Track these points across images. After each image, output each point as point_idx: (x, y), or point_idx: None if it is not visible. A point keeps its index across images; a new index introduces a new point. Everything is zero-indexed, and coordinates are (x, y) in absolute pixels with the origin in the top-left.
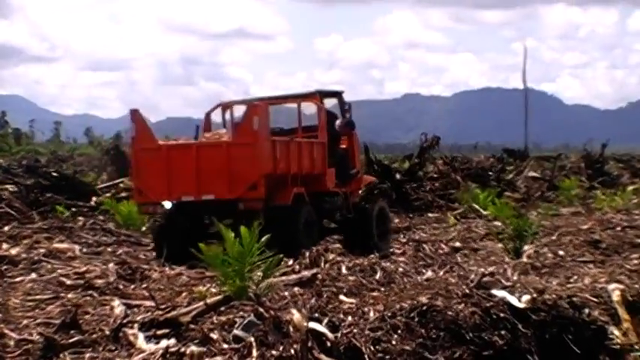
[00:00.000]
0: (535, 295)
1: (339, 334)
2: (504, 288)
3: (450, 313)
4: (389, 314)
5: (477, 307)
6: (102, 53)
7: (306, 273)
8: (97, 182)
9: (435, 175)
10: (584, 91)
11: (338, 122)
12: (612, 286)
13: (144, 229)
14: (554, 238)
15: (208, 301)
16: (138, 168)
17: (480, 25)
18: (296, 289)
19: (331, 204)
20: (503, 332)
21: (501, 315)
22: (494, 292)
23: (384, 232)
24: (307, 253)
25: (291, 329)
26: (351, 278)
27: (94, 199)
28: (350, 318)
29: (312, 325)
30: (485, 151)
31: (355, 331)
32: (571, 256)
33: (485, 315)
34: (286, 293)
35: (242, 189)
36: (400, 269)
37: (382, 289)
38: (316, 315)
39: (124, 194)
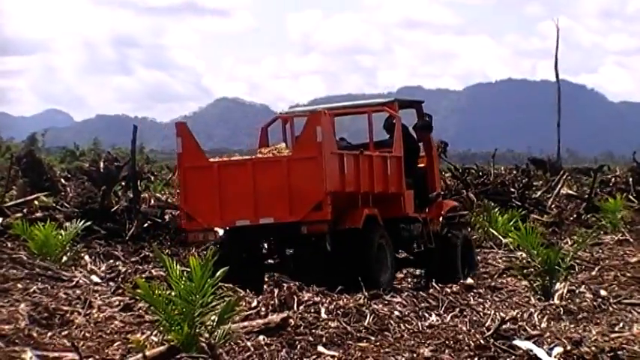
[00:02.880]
0: (569, 348)
1: None
2: (530, 338)
3: None
4: None
5: None
6: (10, 32)
7: (275, 317)
8: (5, 199)
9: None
10: (633, 85)
11: (415, 126)
12: None
13: (65, 259)
14: (594, 273)
15: (148, 353)
16: (186, 189)
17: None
18: (261, 337)
19: (409, 232)
20: None
21: None
22: (516, 342)
23: (471, 265)
24: (276, 292)
25: None
26: (332, 324)
27: None
28: None
29: None
30: (506, 161)
31: None
32: (616, 298)
33: None
34: (249, 343)
35: (305, 210)
36: (396, 313)
37: (372, 338)
38: None
39: (39, 214)
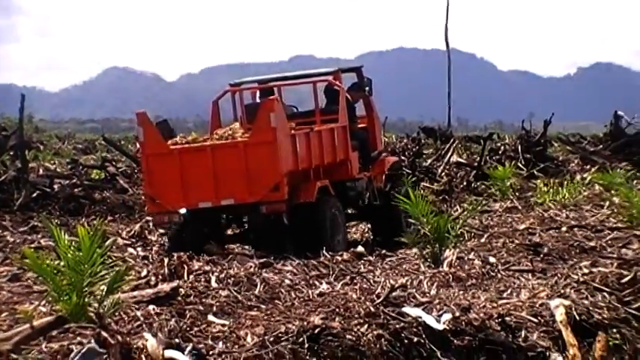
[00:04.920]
0: (458, 314)
1: None
2: (419, 305)
3: (349, 337)
4: (271, 339)
5: (384, 329)
6: None
7: (165, 287)
8: None
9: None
10: (522, 54)
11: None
12: (555, 301)
13: None
14: (483, 240)
15: (36, 323)
16: (149, 175)
17: None
18: (151, 307)
19: (355, 191)
20: None
21: (415, 339)
22: (406, 310)
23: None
24: (166, 261)
25: (144, 359)
26: (222, 293)
27: None
28: (221, 344)
29: (171, 353)
30: (397, 129)
31: None
32: (504, 264)
33: (395, 339)
34: (138, 313)
35: (263, 191)
36: (286, 281)
37: (263, 306)
38: (177, 340)
39: None
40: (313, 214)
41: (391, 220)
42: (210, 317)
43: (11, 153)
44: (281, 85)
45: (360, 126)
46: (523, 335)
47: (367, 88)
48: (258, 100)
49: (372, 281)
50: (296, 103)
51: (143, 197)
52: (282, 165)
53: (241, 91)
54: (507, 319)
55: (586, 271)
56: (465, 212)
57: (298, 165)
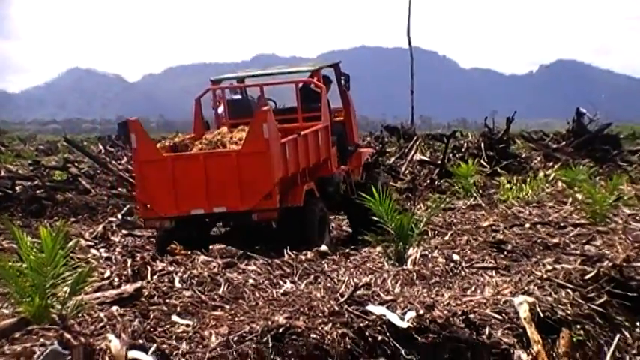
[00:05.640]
0: (422, 312)
1: None
2: (383, 303)
3: (313, 335)
4: (235, 338)
5: (349, 327)
6: None
7: (128, 287)
8: None
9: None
10: (484, 52)
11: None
12: (519, 298)
13: None
14: (446, 238)
15: None
16: (142, 181)
17: None
18: (114, 308)
19: (334, 186)
20: (381, 359)
21: (379, 337)
22: (370, 308)
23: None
24: (129, 262)
25: None
26: (186, 293)
27: None
28: (185, 344)
29: (135, 354)
30: (360, 128)
31: None
32: (468, 262)
33: (359, 337)
34: (102, 314)
35: (256, 200)
36: (250, 281)
37: (227, 306)
38: (140, 341)
39: None
40: (301, 217)
41: (366, 213)
42: (174, 317)
43: None
44: (263, 84)
45: (337, 119)
46: (487, 332)
47: (345, 83)
48: (239, 97)
49: (336, 280)
50: (269, 94)
51: (136, 203)
52: (274, 174)
53: (223, 90)
54: (471, 316)
55: (549, 267)
56: (429, 210)
57: (288, 171)
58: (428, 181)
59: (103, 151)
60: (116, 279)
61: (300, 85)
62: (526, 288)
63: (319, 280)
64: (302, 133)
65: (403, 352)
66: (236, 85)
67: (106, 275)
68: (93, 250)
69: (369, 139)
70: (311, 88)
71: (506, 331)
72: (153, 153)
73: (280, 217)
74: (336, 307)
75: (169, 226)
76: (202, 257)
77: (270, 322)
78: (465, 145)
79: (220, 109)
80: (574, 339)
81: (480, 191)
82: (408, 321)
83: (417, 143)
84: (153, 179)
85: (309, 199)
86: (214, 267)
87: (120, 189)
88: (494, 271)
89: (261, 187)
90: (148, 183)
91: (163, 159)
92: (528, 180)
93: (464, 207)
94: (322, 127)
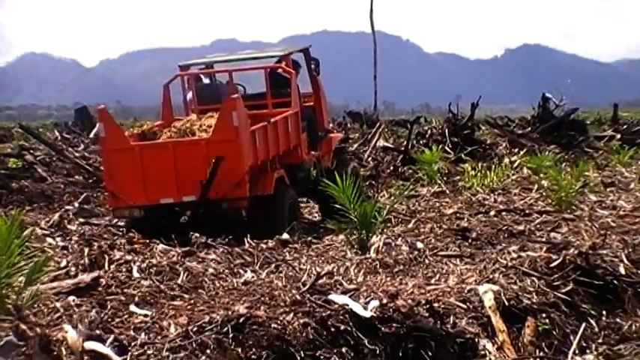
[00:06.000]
0: (385, 301)
1: (127, 357)
2: (346, 292)
3: (275, 325)
4: (194, 329)
5: (311, 317)
6: None
7: (85, 277)
8: None
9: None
10: (449, 36)
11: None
12: (484, 287)
13: None
14: (410, 226)
15: None
16: (110, 170)
17: None
18: (71, 298)
19: (304, 172)
20: (344, 349)
21: (342, 327)
22: (332, 297)
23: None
24: (86, 251)
25: (64, 351)
26: (144, 283)
27: None
28: (143, 335)
29: (92, 345)
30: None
31: (150, 352)
32: (432, 250)
33: (321, 327)
34: (58, 304)
35: (225, 188)
36: (210, 270)
37: (186, 296)
38: (98, 332)
39: None
40: (272, 205)
41: (332, 199)
42: (132, 308)
43: None
44: (232, 70)
45: (306, 104)
46: (451, 321)
47: (315, 68)
48: (208, 81)
49: (297, 269)
50: (238, 79)
51: (104, 192)
52: (244, 162)
53: (191, 75)
54: (435, 305)
55: (515, 255)
56: (392, 197)
57: (258, 159)
58: (391, 168)
59: (59, 137)
60: (73, 268)
61: (269, 70)
62: (491, 276)
63: (281, 269)
64: (272, 120)
65: (366, 342)
66: (205, 71)
67: (62, 265)
68: (49, 239)
69: (331, 125)
70: (280, 73)
71: (470, 321)
72: (121, 141)
73: (250, 205)
74: (298, 297)
75: (138, 215)
76: (161, 246)
77: (230, 312)
78: (429, 131)
79: (189, 96)
80: (540, 328)
81: (445, 178)
82: (371, 310)
83: (380, 129)
84: (121, 168)
85: (279, 186)
86: (173, 256)
87: (77, 176)
88: (458, 260)
89: (231, 176)
90: (117, 172)
91: (131, 147)
92: (493, 166)
93: (428, 194)
94: (292, 113)
